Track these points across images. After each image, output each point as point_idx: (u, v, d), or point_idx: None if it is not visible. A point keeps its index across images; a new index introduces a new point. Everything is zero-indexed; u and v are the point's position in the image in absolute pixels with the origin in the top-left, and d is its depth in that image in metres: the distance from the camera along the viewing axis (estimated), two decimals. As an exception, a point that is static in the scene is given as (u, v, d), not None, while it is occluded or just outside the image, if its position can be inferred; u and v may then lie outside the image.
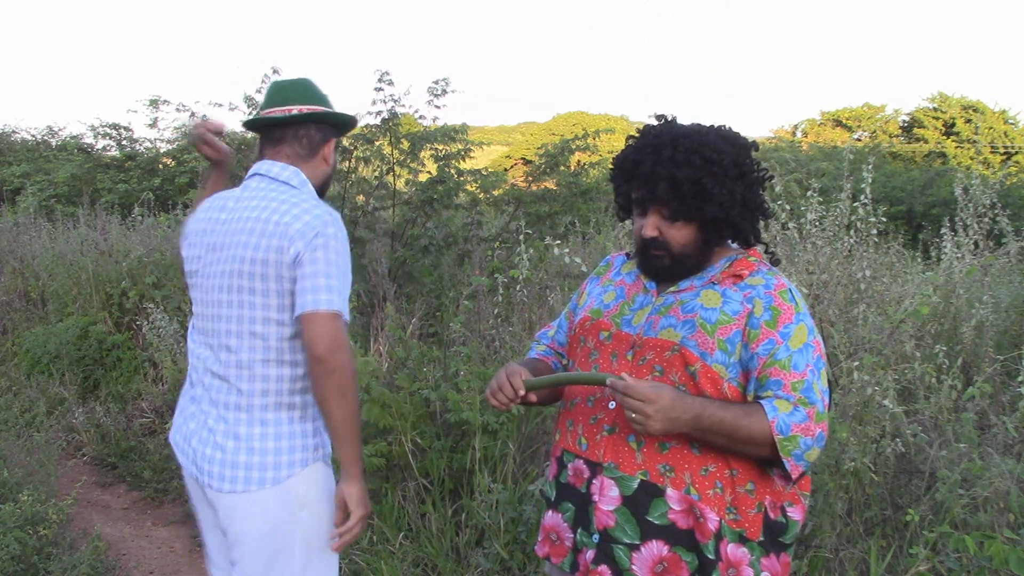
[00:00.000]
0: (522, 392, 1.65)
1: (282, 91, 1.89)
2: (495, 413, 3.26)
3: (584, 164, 6.09)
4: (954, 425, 2.81)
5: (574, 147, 5.74)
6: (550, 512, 1.71)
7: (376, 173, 5.53)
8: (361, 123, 5.14)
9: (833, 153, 17.10)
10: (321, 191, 1.94)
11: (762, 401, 1.52)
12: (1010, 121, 27.30)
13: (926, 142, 25.73)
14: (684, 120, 1.67)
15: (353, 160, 5.36)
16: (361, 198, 5.63)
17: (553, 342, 1.92)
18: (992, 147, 24.76)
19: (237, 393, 1.77)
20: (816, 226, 3.81)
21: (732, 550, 1.53)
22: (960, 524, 2.50)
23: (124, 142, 12.09)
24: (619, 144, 1.73)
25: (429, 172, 5.52)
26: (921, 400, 3.00)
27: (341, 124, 1.98)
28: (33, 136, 13.73)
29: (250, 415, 1.77)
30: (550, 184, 5.85)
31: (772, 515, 1.57)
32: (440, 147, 5.38)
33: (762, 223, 1.72)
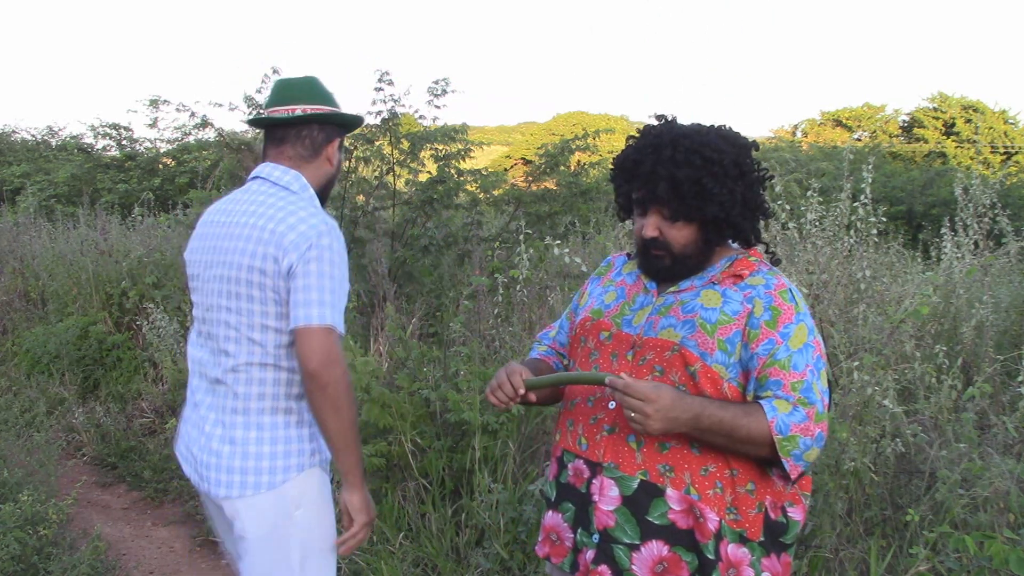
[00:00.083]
0: (522, 391, 1.65)
1: (287, 90, 1.89)
2: (495, 413, 3.26)
3: (584, 164, 6.08)
4: (954, 425, 2.81)
5: (574, 147, 5.74)
6: (550, 512, 1.71)
7: (376, 173, 5.52)
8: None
9: (833, 153, 17.10)
10: (324, 191, 1.93)
11: (761, 401, 1.52)
12: (1010, 121, 27.30)
13: (926, 142, 25.73)
14: (684, 120, 1.67)
15: (353, 160, 5.36)
16: (361, 198, 5.63)
17: (554, 342, 1.92)
18: (992, 147, 24.76)
19: (234, 397, 1.78)
20: (816, 226, 3.81)
21: (732, 550, 1.53)
22: (960, 524, 2.50)
23: (124, 142, 12.10)
24: (619, 144, 1.73)
25: (429, 172, 5.52)
26: (921, 400, 3.00)
27: (345, 124, 1.97)
28: (33, 136, 13.75)
29: (246, 419, 1.77)
30: (550, 184, 5.85)
31: (773, 515, 1.57)
32: (440, 147, 5.38)
33: (762, 223, 1.72)
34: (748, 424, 1.49)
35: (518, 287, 4.18)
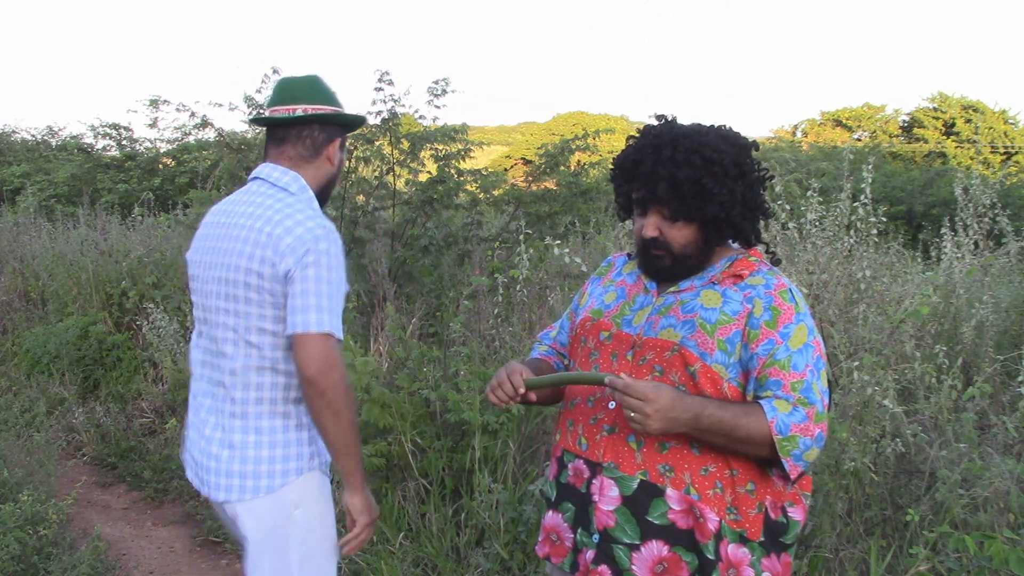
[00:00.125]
0: (522, 390, 1.65)
1: (288, 89, 1.88)
2: (495, 413, 3.26)
3: (584, 164, 6.08)
4: (954, 425, 2.81)
5: (574, 147, 5.74)
6: (550, 512, 1.71)
7: (376, 173, 5.52)
8: (361, 123, 5.13)
9: (833, 153, 17.10)
10: (325, 191, 1.92)
11: (761, 401, 1.52)
12: (1010, 121, 27.30)
13: (926, 142, 25.73)
14: (684, 120, 1.67)
15: (353, 160, 5.36)
16: (361, 198, 5.63)
17: (555, 342, 1.92)
18: (992, 147, 24.75)
19: (232, 401, 1.78)
20: (816, 226, 3.81)
21: (733, 550, 1.53)
22: (960, 524, 2.50)
23: (124, 142, 12.10)
24: (619, 144, 1.73)
25: (429, 172, 5.52)
26: (921, 400, 3.00)
27: (347, 124, 1.96)
28: (33, 136, 13.75)
29: (244, 423, 1.77)
30: (550, 184, 5.85)
31: (773, 515, 1.57)
32: (440, 147, 5.38)
33: (762, 223, 1.72)
34: (748, 424, 1.49)
35: (518, 287, 4.18)
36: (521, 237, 4.45)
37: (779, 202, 3.94)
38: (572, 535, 1.65)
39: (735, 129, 1.66)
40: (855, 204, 3.77)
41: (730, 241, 1.67)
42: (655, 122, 1.67)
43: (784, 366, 1.52)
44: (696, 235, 1.61)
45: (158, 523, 3.96)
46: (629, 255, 1.83)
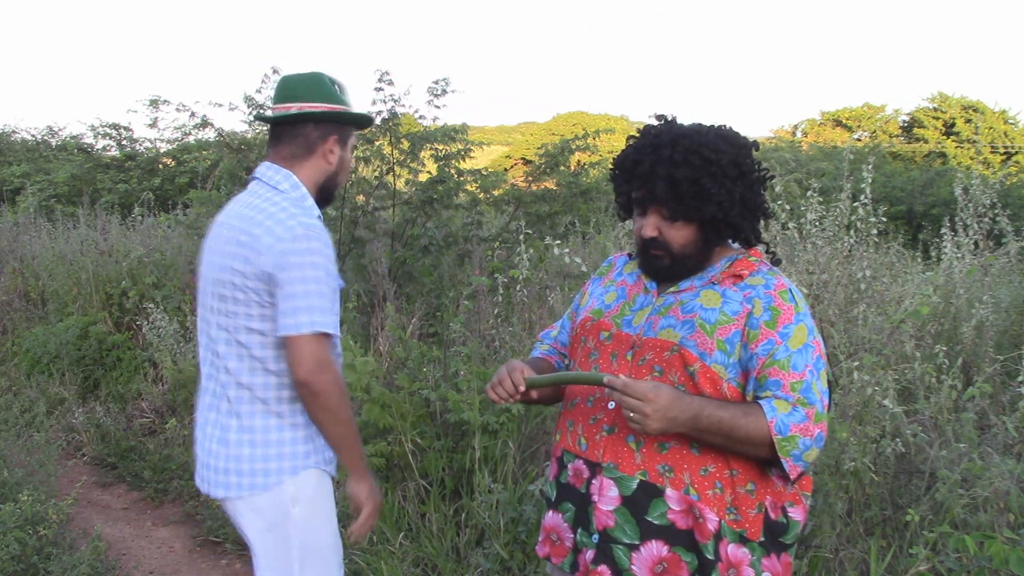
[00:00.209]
0: (522, 388, 1.65)
1: (287, 87, 1.88)
2: (495, 413, 3.26)
3: (584, 164, 6.09)
4: (954, 425, 2.81)
5: (574, 147, 5.74)
6: (550, 512, 1.71)
7: (376, 173, 5.53)
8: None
9: (833, 153, 17.08)
10: (325, 190, 1.91)
11: (761, 401, 1.52)
12: (1010, 121, 27.29)
13: (926, 142, 25.72)
14: (684, 120, 1.67)
15: (353, 160, 5.36)
16: (361, 198, 5.63)
17: (556, 342, 1.92)
18: (992, 147, 24.75)
19: (227, 400, 1.80)
20: (816, 226, 3.81)
21: (733, 550, 1.53)
22: (960, 524, 2.50)
23: (124, 142, 12.10)
24: (619, 144, 1.73)
25: (429, 172, 5.52)
26: (921, 400, 3.00)
27: (344, 121, 1.94)
28: (33, 136, 13.75)
29: (239, 422, 1.79)
30: (550, 184, 5.85)
31: (773, 515, 1.57)
32: (440, 147, 5.38)
33: (762, 223, 1.72)
34: (747, 424, 1.49)
35: (518, 287, 4.18)
36: (521, 237, 4.45)
37: (779, 202, 3.93)
38: (572, 535, 1.65)
39: (735, 129, 1.66)
40: (855, 204, 3.77)
41: (730, 241, 1.67)
42: (655, 122, 1.67)
43: (784, 366, 1.52)
44: (695, 235, 1.61)
45: (158, 523, 3.97)
46: (630, 255, 1.83)
